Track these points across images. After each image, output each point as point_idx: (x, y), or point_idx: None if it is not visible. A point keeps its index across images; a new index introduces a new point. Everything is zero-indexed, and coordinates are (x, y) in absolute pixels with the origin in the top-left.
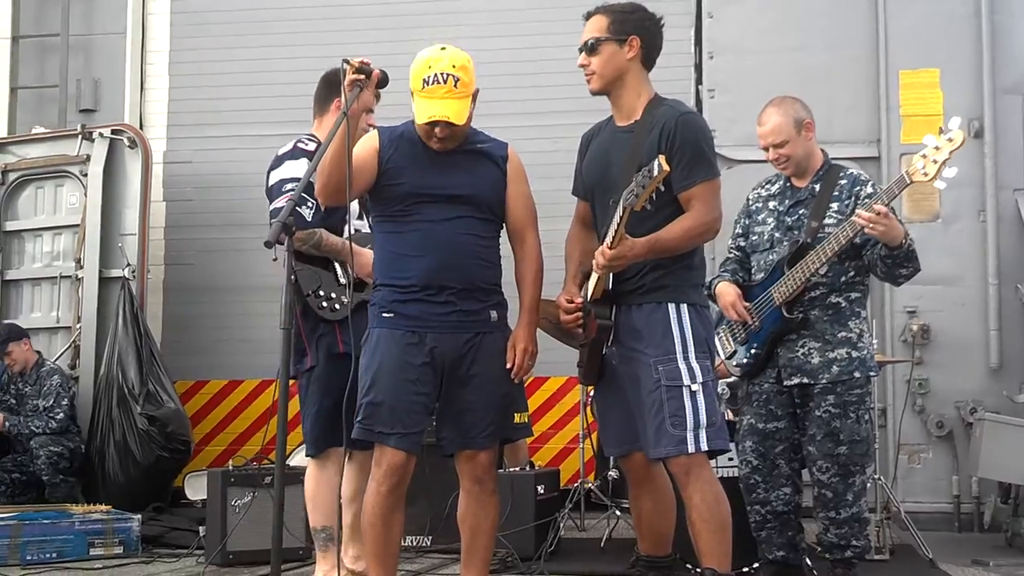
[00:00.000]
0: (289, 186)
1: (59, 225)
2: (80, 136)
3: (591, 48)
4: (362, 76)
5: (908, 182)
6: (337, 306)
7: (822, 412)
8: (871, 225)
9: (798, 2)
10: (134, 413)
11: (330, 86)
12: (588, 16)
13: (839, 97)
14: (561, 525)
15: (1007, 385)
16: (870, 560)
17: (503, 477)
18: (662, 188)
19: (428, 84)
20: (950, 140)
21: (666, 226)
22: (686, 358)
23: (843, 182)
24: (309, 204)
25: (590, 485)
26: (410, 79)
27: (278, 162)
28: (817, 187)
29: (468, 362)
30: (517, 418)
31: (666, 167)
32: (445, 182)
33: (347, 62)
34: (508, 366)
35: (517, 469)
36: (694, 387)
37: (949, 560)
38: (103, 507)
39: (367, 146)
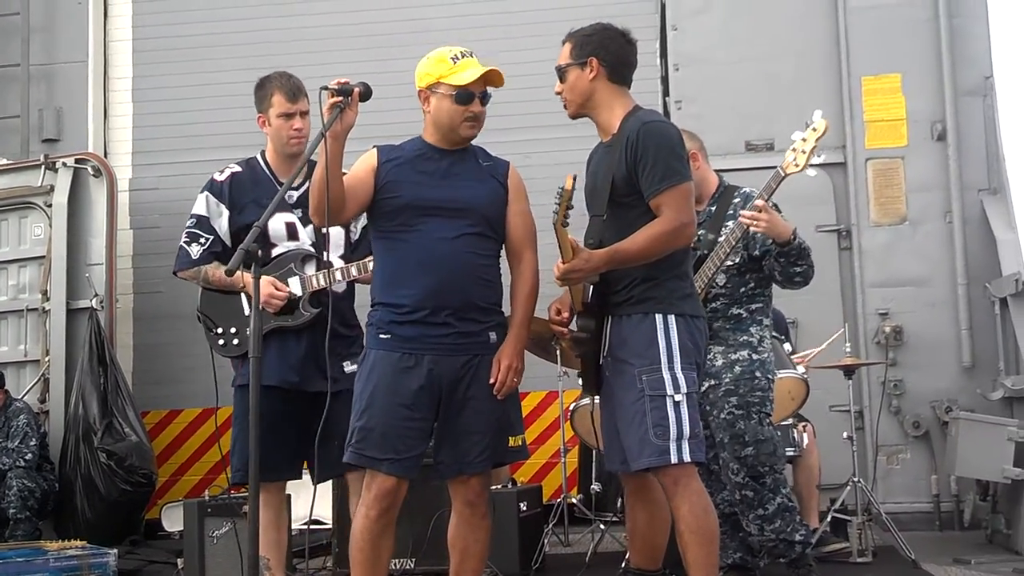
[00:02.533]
0: (189, 222)
1: (24, 257)
2: (43, 166)
3: (560, 75)
4: (341, 98)
5: (783, 175)
6: (235, 341)
7: (726, 415)
8: (754, 221)
9: (761, 13)
10: (95, 447)
11: (258, 90)
12: (563, 43)
13: (804, 105)
14: (545, 541)
15: (980, 383)
16: (853, 563)
17: None
18: (567, 223)
19: (457, 60)
20: (814, 130)
21: (630, 236)
22: (671, 368)
23: (736, 200)
24: (201, 240)
25: (573, 500)
26: (427, 74)
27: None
28: (713, 208)
29: (465, 385)
30: (512, 441)
31: (568, 185)
32: (444, 194)
33: (325, 88)
34: (491, 381)
35: (499, 487)
36: (677, 397)
37: (931, 560)
38: (78, 543)
39: (365, 164)
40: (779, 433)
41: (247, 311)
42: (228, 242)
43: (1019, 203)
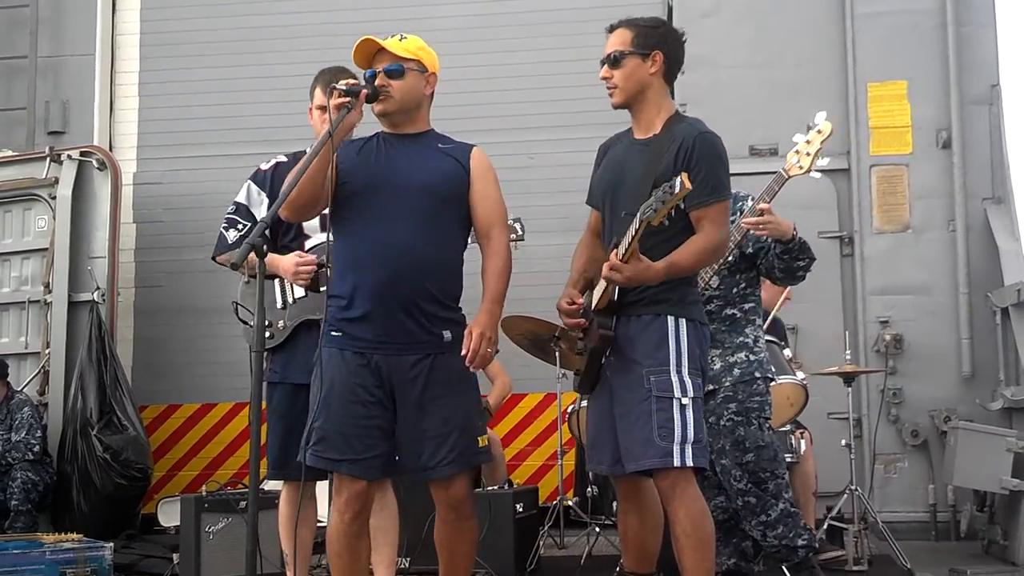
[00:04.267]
0: (229, 208)
1: (27, 249)
2: (48, 158)
3: (614, 61)
4: (349, 98)
5: (786, 177)
6: (267, 333)
7: (726, 421)
8: (759, 225)
9: (769, 17)
10: (92, 440)
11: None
12: (611, 29)
13: (809, 110)
14: (541, 543)
15: (980, 393)
16: (848, 571)
17: (481, 496)
18: (682, 205)
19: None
20: (819, 132)
21: (679, 248)
22: (679, 371)
23: (738, 204)
24: (239, 227)
25: (569, 502)
26: None
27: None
28: None
29: (420, 386)
30: (481, 442)
31: (688, 185)
32: (395, 176)
33: (335, 88)
34: (463, 352)
35: (495, 488)
36: (684, 401)
37: (927, 569)
38: (74, 536)
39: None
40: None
41: (279, 303)
42: (268, 233)
43: (1023, 213)
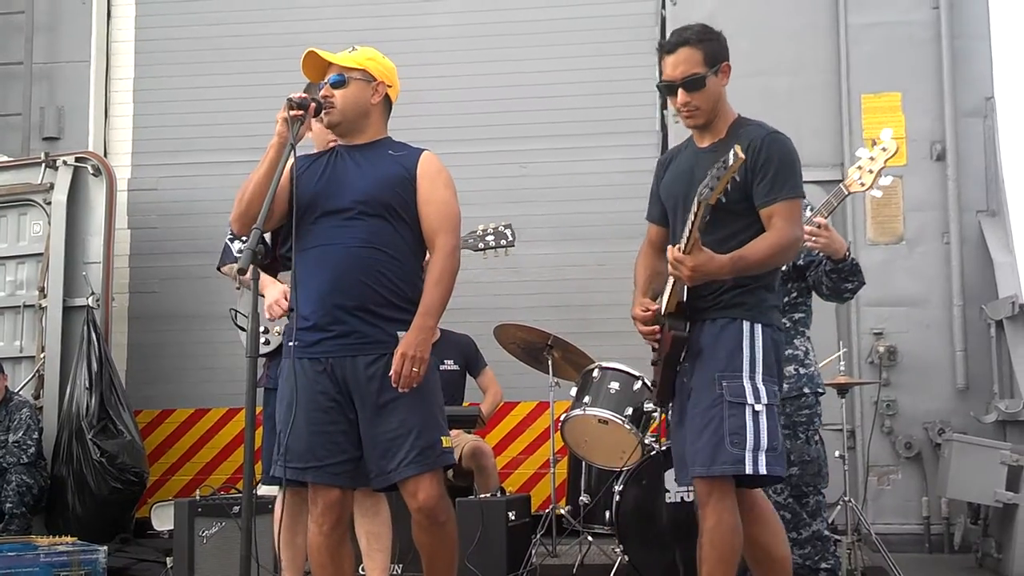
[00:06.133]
0: None
1: (22, 254)
2: (44, 164)
3: (695, 85)
4: (301, 112)
5: (846, 193)
6: (263, 339)
7: None
8: (813, 239)
9: (762, 27)
10: (88, 444)
11: None
12: (669, 49)
13: (803, 121)
14: (533, 551)
15: (974, 406)
16: None
17: (473, 504)
18: (723, 199)
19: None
20: (884, 150)
21: (748, 244)
22: (752, 377)
23: None
24: (244, 239)
25: (562, 511)
26: None
27: None
28: None
29: (376, 388)
30: (445, 442)
31: (741, 155)
32: (338, 187)
33: (290, 99)
34: (390, 373)
35: (488, 496)
36: (758, 407)
37: None
38: (68, 539)
39: (286, 172)
40: (825, 453)
41: None
42: (269, 241)
43: (1017, 225)
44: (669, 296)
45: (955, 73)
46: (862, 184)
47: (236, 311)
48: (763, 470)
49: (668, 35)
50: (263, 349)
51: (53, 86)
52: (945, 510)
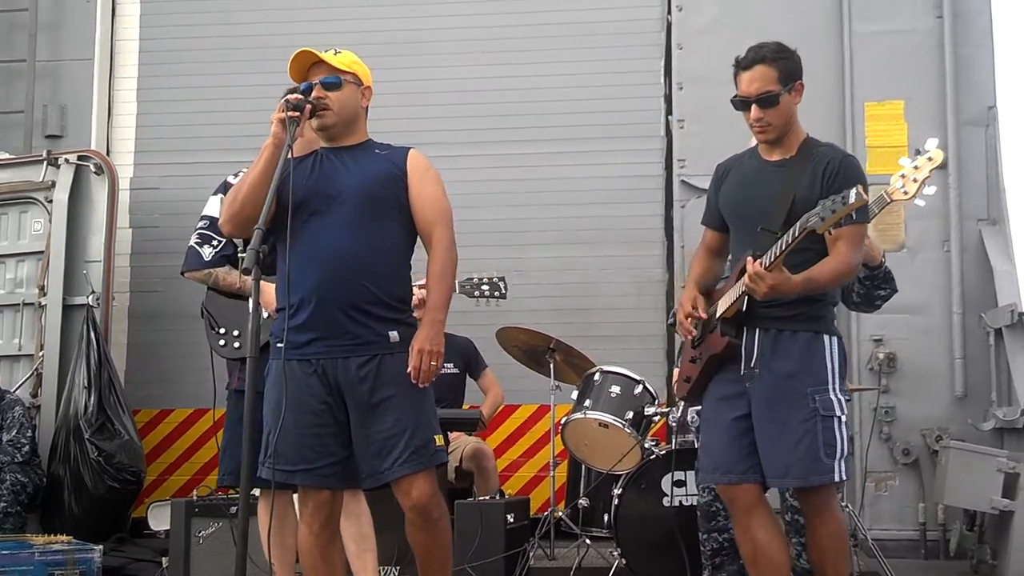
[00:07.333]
0: (201, 223)
1: (23, 252)
2: (45, 162)
3: (770, 102)
4: (297, 113)
5: (888, 200)
6: (236, 344)
7: None
8: None
9: (766, 35)
10: (85, 443)
11: None
12: (746, 66)
13: (806, 128)
14: (531, 554)
15: (972, 413)
16: None
17: (472, 506)
18: (831, 231)
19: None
20: (930, 159)
21: (817, 265)
22: (834, 390)
23: None
24: (214, 243)
25: (560, 514)
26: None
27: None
28: None
29: (368, 388)
30: (438, 441)
31: (865, 197)
32: (329, 186)
33: (286, 100)
34: (408, 370)
35: (487, 498)
36: (843, 418)
37: None
38: (64, 538)
39: (276, 176)
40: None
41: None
42: (240, 245)
43: (1017, 234)
44: (732, 303)
45: (958, 82)
46: (905, 193)
47: (208, 312)
48: (845, 476)
49: (745, 52)
50: (235, 354)
51: (56, 84)
52: (941, 516)
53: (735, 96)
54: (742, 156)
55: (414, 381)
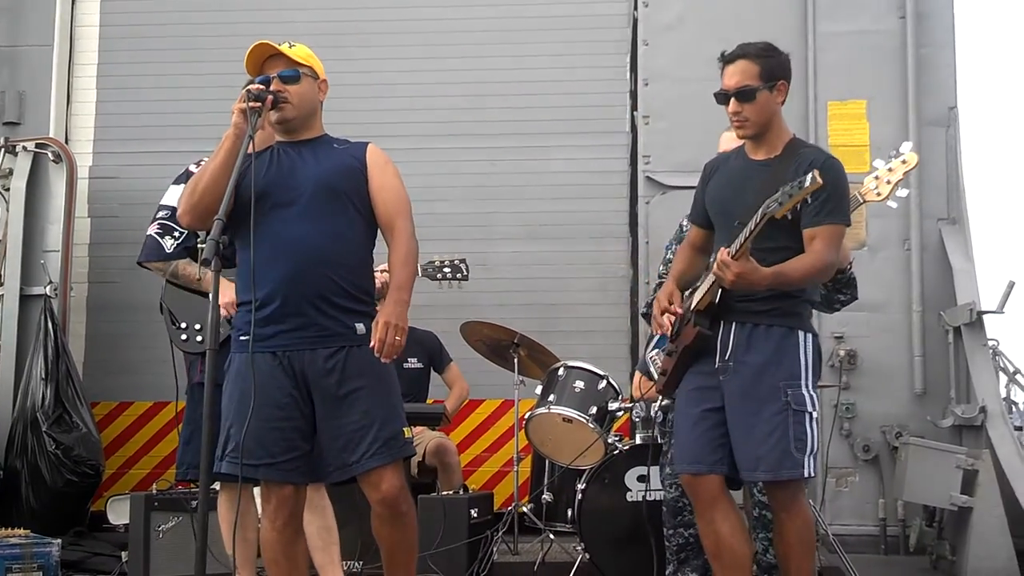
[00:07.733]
0: (162, 213)
1: None
2: (3, 149)
3: (745, 96)
4: (259, 104)
5: (861, 201)
6: (198, 338)
7: None
8: None
9: (732, 33)
10: (43, 436)
11: None
12: (729, 60)
13: None
14: (494, 549)
15: (931, 410)
16: None
17: (436, 501)
18: (788, 216)
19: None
20: (904, 162)
21: (789, 261)
22: (807, 385)
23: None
24: (175, 234)
25: (524, 508)
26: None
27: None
28: None
29: (336, 380)
30: (406, 433)
31: (819, 180)
32: (289, 178)
33: (248, 90)
34: (371, 344)
35: (450, 493)
36: (815, 414)
37: None
38: (21, 531)
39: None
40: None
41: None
42: (201, 236)
43: (977, 234)
44: (704, 294)
45: (919, 82)
46: (878, 194)
47: (167, 307)
48: (813, 472)
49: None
50: (198, 348)
51: (14, 70)
52: (901, 512)
53: (718, 90)
54: (729, 155)
55: (378, 354)
